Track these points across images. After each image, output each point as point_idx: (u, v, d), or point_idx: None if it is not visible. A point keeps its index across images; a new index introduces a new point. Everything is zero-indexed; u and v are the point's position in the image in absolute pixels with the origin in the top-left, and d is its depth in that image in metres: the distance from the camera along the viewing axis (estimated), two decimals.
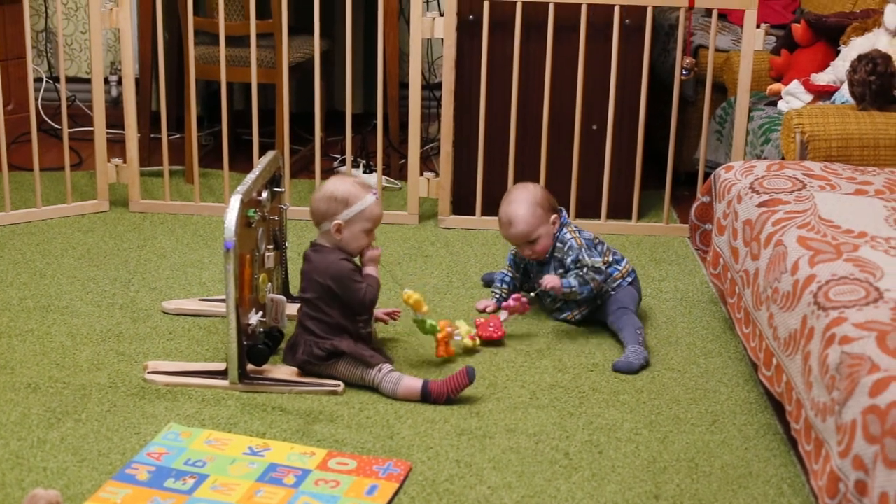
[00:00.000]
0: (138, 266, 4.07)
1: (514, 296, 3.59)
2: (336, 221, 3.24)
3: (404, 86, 4.93)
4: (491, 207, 4.43)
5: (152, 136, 5.14)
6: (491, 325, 3.51)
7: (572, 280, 3.55)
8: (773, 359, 2.94)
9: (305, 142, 5.34)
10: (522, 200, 3.59)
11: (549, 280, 3.55)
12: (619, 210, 4.55)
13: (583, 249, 3.58)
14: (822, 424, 2.51)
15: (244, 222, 3.19)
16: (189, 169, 4.83)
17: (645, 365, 3.38)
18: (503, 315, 3.55)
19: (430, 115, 5.52)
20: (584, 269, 3.55)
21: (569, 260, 3.58)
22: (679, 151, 4.65)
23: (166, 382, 3.23)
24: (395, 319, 3.51)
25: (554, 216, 3.61)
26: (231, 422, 3.06)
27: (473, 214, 4.57)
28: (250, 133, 4.57)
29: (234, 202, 3.14)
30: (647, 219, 4.63)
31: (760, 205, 3.29)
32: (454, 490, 2.77)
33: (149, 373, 3.26)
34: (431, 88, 5.52)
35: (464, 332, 3.44)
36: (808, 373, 2.63)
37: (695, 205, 3.80)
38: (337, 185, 3.29)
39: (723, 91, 4.72)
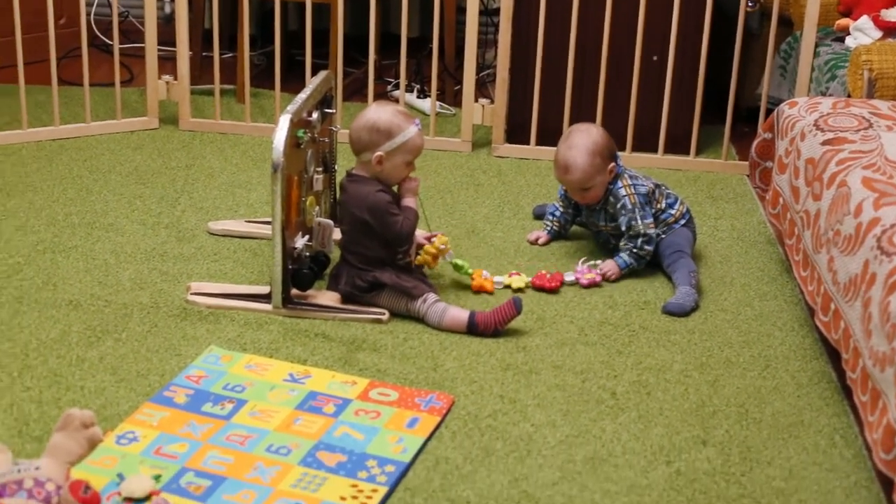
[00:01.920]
0: (185, 185, 4.01)
1: (587, 278, 3.43)
2: (377, 153, 3.15)
3: (461, 10, 4.83)
4: (546, 137, 4.35)
5: (204, 54, 5.08)
6: (548, 276, 3.41)
7: (627, 258, 3.47)
8: (831, 304, 2.85)
9: (359, 64, 5.26)
10: (582, 147, 3.46)
11: (611, 271, 3.45)
12: (677, 145, 4.44)
13: (636, 210, 3.46)
14: (880, 375, 2.41)
15: (293, 143, 3.12)
16: (240, 88, 4.76)
17: (696, 307, 3.29)
18: (570, 277, 3.44)
19: (487, 42, 5.41)
20: (638, 241, 3.45)
21: (622, 221, 3.48)
22: (741, 86, 4.52)
23: (209, 304, 3.18)
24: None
25: (612, 165, 3.50)
26: (273, 347, 3.01)
27: (528, 144, 4.47)
28: (303, 54, 4.49)
29: (284, 122, 3.07)
30: (705, 154, 4.51)
31: (825, 143, 3.17)
32: (497, 426, 2.70)
33: (191, 294, 3.21)
34: (489, 14, 5.40)
35: (518, 283, 3.39)
36: (868, 320, 2.54)
37: (756, 141, 3.69)
38: (380, 115, 3.19)
39: (789, 25, 4.58)
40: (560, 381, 2.91)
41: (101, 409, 2.68)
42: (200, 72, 5.04)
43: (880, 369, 2.41)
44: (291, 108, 3.12)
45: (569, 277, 3.42)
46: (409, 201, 3.21)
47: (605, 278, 3.44)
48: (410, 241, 3.22)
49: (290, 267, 3.16)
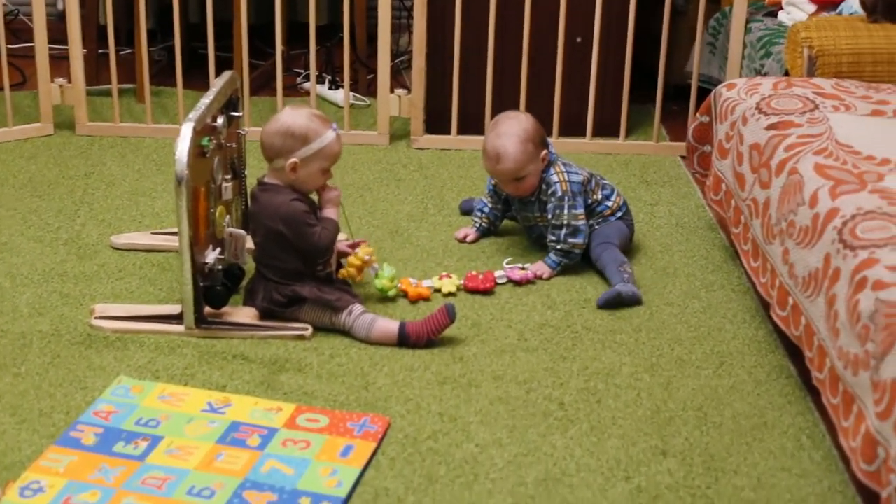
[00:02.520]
0: (85, 196, 3.73)
1: (519, 273, 3.22)
2: (292, 160, 2.91)
3: None
4: (467, 126, 4.13)
5: (101, 51, 4.76)
6: (480, 276, 3.18)
7: (556, 258, 3.26)
8: (789, 298, 2.65)
9: (266, 56, 4.98)
10: (513, 135, 3.24)
11: (538, 271, 3.24)
12: (606, 128, 4.23)
13: (566, 199, 3.25)
14: (852, 378, 2.22)
15: (198, 152, 2.87)
16: (140, 87, 4.47)
17: (636, 299, 3.09)
18: (502, 278, 3.21)
19: (401, 27, 5.16)
20: (561, 233, 3.23)
21: (550, 208, 3.27)
22: (668, 65, 4.31)
23: (115, 328, 2.91)
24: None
25: (544, 152, 3.28)
26: (188, 373, 2.75)
27: (449, 133, 4.23)
28: (206, 47, 4.21)
29: (186, 131, 2.81)
30: (635, 136, 4.32)
31: (769, 127, 2.98)
32: (438, 449, 2.48)
33: (96, 318, 2.95)
34: None
35: (450, 286, 3.16)
36: (834, 318, 2.34)
37: (692, 125, 3.49)
38: (294, 119, 2.94)
39: (716, 1, 4.39)
40: (503, 393, 2.69)
41: (2, 456, 2.42)
42: (97, 71, 4.73)
43: (853, 372, 2.22)
44: (193, 115, 2.86)
45: (499, 275, 3.20)
46: (329, 212, 2.97)
47: (538, 278, 3.23)
48: (330, 252, 2.98)
49: (202, 284, 2.90)
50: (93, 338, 2.88)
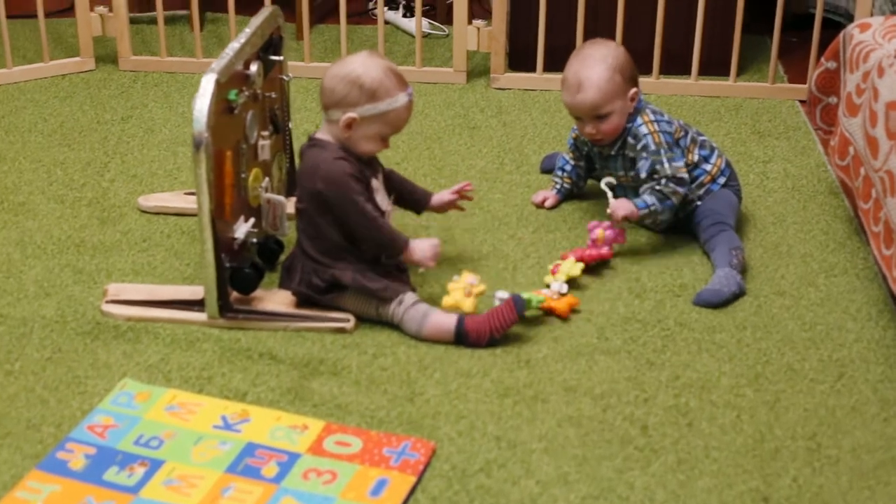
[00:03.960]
0: (119, 145, 3.32)
1: (607, 227, 2.71)
2: (350, 114, 2.45)
3: None
4: (555, 63, 3.62)
5: None
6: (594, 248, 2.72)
7: (648, 197, 2.73)
8: None
9: None
10: (599, 60, 2.76)
11: (621, 208, 2.71)
12: (714, 65, 3.70)
13: (662, 151, 2.75)
14: None
15: (224, 108, 2.44)
16: (192, 14, 4.01)
17: (739, 293, 2.60)
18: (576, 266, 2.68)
19: None
20: (664, 181, 2.74)
21: (643, 165, 2.76)
22: None
23: (128, 315, 2.52)
24: (468, 198, 2.75)
25: (633, 90, 2.78)
26: (204, 375, 2.34)
27: (533, 72, 3.74)
28: None
29: (207, 84, 2.38)
30: (747, 76, 3.77)
31: None
32: (491, 486, 2.04)
33: (107, 301, 2.55)
34: None
35: (535, 302, 2.55)
36: None
37: (816, 72, 2.95)
38: (368, 69, 2.47)
39: None
40: (574, 410, 2.24)
41: None
42: None
43: None
44: (217, 64, 2.42)
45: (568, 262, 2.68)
46: (416, 245, 2.52)
47: (614, 219, 2.72)
48: (377, 247, 2.52)
49: (228, 265, 2.48)
50: (101, 326, 2.49)
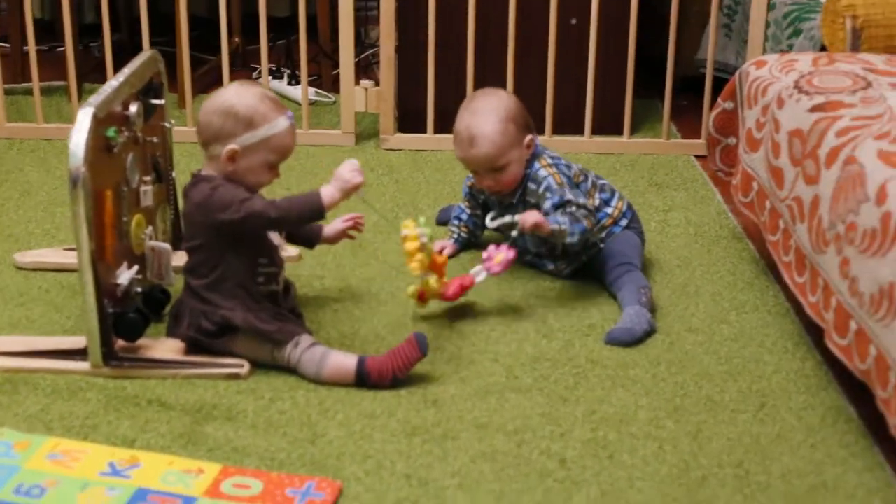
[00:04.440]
0: None
1: (500, 250, 2.58)
2: (230, 146, 2.32)
3: None
4: (445, 124, 3.49)
5: (39, 48, 4.13)
6: (453, 284, 2.60)
7: (559, 217, 2.63)
8: (851, 322, 2.08)
9: (219, 52, 4.39)
10: (490, 112, 2.66)
11: (530, 216, 2.59)
12: (606, 125, 3.65)
13: (565, 188, 2.66)
14: None
15: (102, 145, 2.30)
16: (70, 84, 3.86)
17: (650, 331, 2.51)
18: (481, 275, 2.59)
19: (368, 19, 4.60)
20: (574, 207, 2.64)
21: (549, 203, 2.66)
22: (675, 53, 3.74)
23: (5, 367, 2.34)
24: (359, 230, 2.60)
25: (529, 137, 2.70)
26: (89, 423, 2.17)
27: (424, 132, 3.66)
28: (143, 39, 3.62)
29: (83, 118, 2.24)
30: (640, 134, 3.74)
31: (814, 109, 2.41)
32: None
33: None
34: None
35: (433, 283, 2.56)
36: None
37: (713, 113, 2.92)
38: (241, 97, 2.34)
39: None
40: (487, 447, 2.11)
41: None
42: (23, 68, 4.13)
43: None
44: (95, 99, 2.29)
45: (479, 276, 2.58)
46: (324, 189, 2.36)
47: (523, 229, 2.58)
48: (301, 219, 2.39)
49: (111, 310, 2.32)
50: None
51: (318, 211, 2.33)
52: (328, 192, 2.33)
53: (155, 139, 2.58)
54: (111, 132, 2.31)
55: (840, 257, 2.13)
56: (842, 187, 2.17)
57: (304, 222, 2.42)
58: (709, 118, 2.96)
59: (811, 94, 2.47)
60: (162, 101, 2.60)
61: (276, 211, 2.30)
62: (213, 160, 2.37)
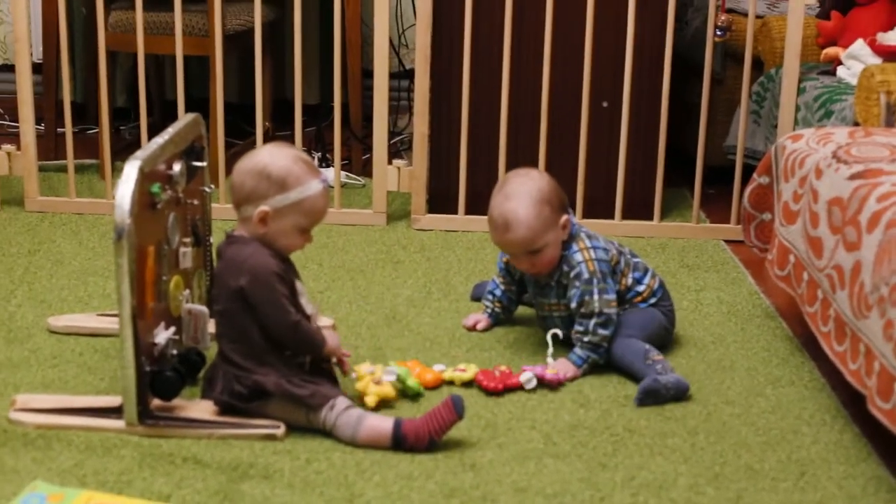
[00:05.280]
0: (26, 274, 3.15)
1: (550, 373, 2.58)
2: (262, 208, 2.33)
3: (368, 74, 4.03)
4: (477, 205, 3.55)
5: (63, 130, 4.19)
6: (498, 373, 2.59)
7: (581, 353, 2.64)
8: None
9: (248, 137, 4.44)
10: (524, 195, 2.64)
11: (562, 371, 2.60)
12: (637, 209, 3.67)
13: (594, 282, 2.65)
14: None
15: (146, 202, 2.31)
16: (103, 163, 3.90)
17: (680, 388, 2.51)
18: (531, 382, 2.56)
19: (400, 108, 4.65)
20: (590, 323, 2.63)
21: (572, 295, 2.66)
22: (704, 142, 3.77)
23: (38, 423, 2.32)
24: (342, 369, 2.51)
25: (564, 218, 2.70)
26: (123, 479, 2.15)
27: (455, 213, 3.67)
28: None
29: (130, 171, 2.25)
30: (670, 219, 3.75)
31: (854, 177, 2.42)
32: None
33: (16, 409, 2.35)
34: (400, 77, 4.64)
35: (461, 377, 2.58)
36: None
37: (748, 188, 2.93)
38: (274, 158, 2.36)
39: (758, 66, 3.87)
40: None
41: None
42: (56, 148, 4.19)
43: None
44: (141, 153, 2.31)
45: (526, 378, 2.57)
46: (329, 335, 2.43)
47: (563, 380, 2.61)
48: (306, 349, 2.39)
49: (149, 369, 2.31)
50: (10, 434, 2.29)
51: (318, 352, 2.39)
52: (331, 341, 2.42)
53: (195, 202, 2.60)
54: (156, 188, 2.33)
55: (884, 320, 2.12)
56: (885, 250, 2.17)
57: (297, 350, 2.40)
58: (741, 197, 2.96)
59: (850, 163, 2.48)
60: (203, 164, 2.62)
61: (290, 330, 2.33)
62: (245, 222, 2.38)
